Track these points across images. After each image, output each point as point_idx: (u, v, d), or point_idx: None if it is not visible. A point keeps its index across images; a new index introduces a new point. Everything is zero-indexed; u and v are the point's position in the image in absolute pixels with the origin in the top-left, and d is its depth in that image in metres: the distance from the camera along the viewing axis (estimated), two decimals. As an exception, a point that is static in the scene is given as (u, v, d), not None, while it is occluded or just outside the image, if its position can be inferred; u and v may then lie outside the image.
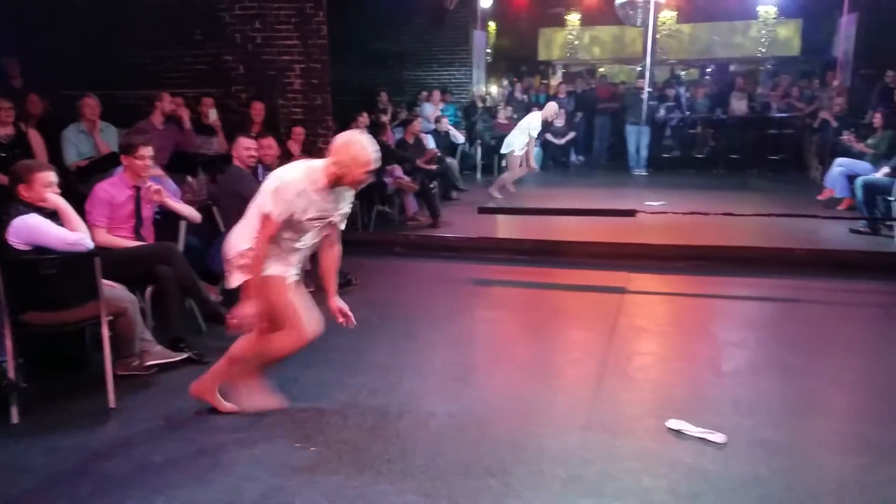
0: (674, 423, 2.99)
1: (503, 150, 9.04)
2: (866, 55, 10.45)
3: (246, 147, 4.75)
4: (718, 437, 2.87)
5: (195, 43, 6.97)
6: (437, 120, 10.23)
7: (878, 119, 7.65)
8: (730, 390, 3.46)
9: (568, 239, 6.55)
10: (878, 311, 4.73)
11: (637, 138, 11.15)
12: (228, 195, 4.83)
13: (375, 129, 7.65)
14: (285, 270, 3.00)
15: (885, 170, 6.73)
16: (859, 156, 7.64)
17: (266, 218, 2.84)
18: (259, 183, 4.87)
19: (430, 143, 9.19)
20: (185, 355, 3.76)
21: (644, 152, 11.16)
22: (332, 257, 3.18)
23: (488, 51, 13.88)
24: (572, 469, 2.69)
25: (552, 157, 12.17)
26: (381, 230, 7.19)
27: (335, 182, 2.88)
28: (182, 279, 3.89)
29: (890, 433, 2.95)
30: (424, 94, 11.21)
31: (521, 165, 8.85)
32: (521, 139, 8.64)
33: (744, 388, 3.47)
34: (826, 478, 2.64)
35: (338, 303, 3.17)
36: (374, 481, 2.61)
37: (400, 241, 6.82)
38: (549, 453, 2.82)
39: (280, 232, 2.89)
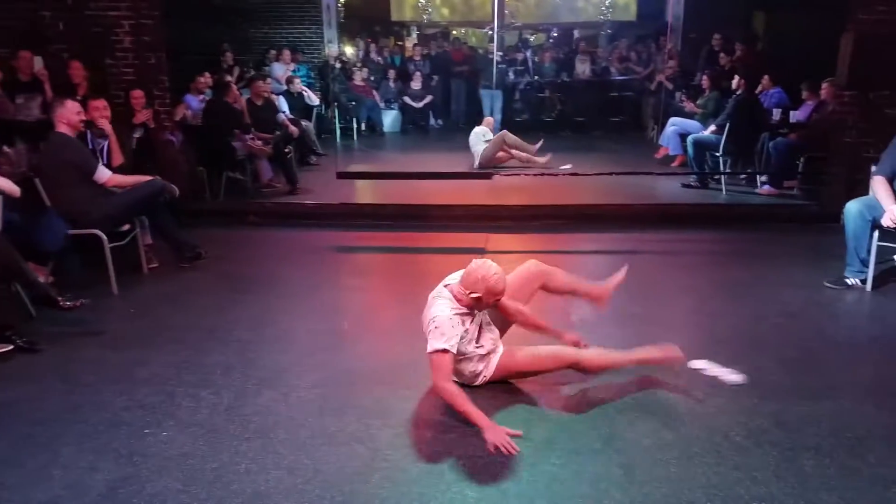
0: (695, 364, 3.14)
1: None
2: (695, 20, 11.30)
3: (77, 111, 4.36)
4: (736, 377, 3.04)
5: (6, -4, 6.13)
6: (290, 81, 9.82)
7: (705, 81, 8.33)
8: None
9: (429, 202, 6.60)
10: (706, 258, 5.21)
11: (491, 102, 11.39)
12: (55, 165, 4.38)
13: (219, 90, 7.21)
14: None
15: (712, 128, 7.36)
16: (691, 116, 8.31)
17: (440, 356, 2.76)
18: (89, 150, 4.45)
19: (282, 105, 8.83)
20: (10, 346, 3.39)
21: (498, 116, 11.43)
22: (523, 316, 3.19)
23: (340, 9, 13.45)
24: (437, 428, 2.73)
25: (411, 121, 12.15)
26: (232, 199, 6.84)
27: (473, 308, 2.90)
28: (2, 261, 3.47)
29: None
30: (273, 52, 10.70)
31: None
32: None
33: (591, 336, 3.66)
34: (667, 408, 2.88)
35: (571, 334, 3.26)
36: (233, 461, 2.51)
37: (254, 209, 6.53)
38: (415, 415, 2.85)
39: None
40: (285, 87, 9.76)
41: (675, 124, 8.25)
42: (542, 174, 7.56)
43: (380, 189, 7.37)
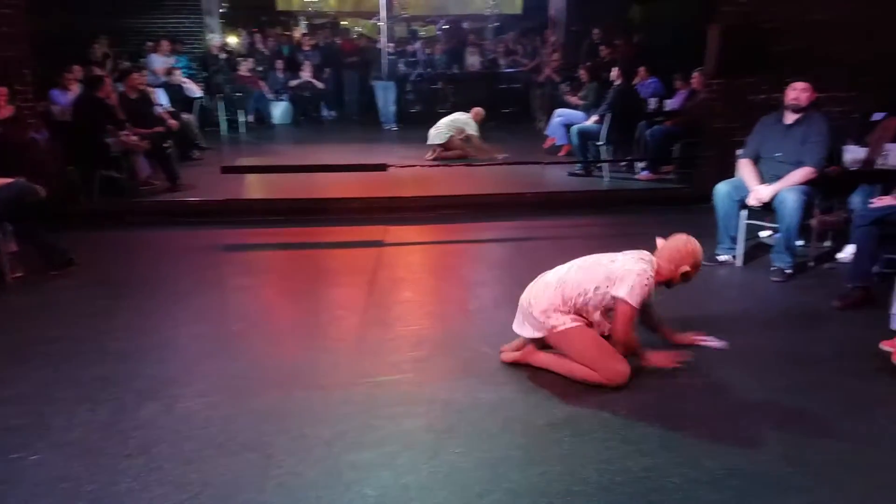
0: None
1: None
2: (576, 14, 11.71)
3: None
4: (718, 344, 3.10)
5: None
6: (169, 72, 9.31)
7: (583, 73, 8.65)
8: (477, 325, 3.73)
9: (324, 196, 6.45)
10: (592, 242, 5.34)
11: (384, 94, 11.31)
12: None
13: (91, 84, 6.71)
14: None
15: (594, 118, 7.66)
16: (575, 107, 8.60)
17: (625, 305, 2.89)
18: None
19: (161, 97, 8.35)
20: None
21: (392, 107, 11.37)
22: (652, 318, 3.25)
23: (223, -1, 12.92)
24: (335, 427, 2.67)
25: (303, 113, 11.88)
26: (108, 199, 6.39)
27: (663, 284, 3.04)
28: None
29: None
30: (150, 44, 10.09)
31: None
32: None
33: (489, 323, 3.75)
34: (554, 392, 2.95)
35: (684, 337, 3.22)
36: (113, 481, 2.34)
37: (133, 209, 6.15)
38: (311, 416, 2.77)
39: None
40: (164, 80, 9.24)
41: (560, 115, 8.52)
42: (438, 165, 7.59)
43: (270, 183, 7.12)
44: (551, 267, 3.23)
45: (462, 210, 6.24)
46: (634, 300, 2.88)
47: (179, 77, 9.36)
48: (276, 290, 4.52)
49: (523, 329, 3.17)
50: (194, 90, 9.63)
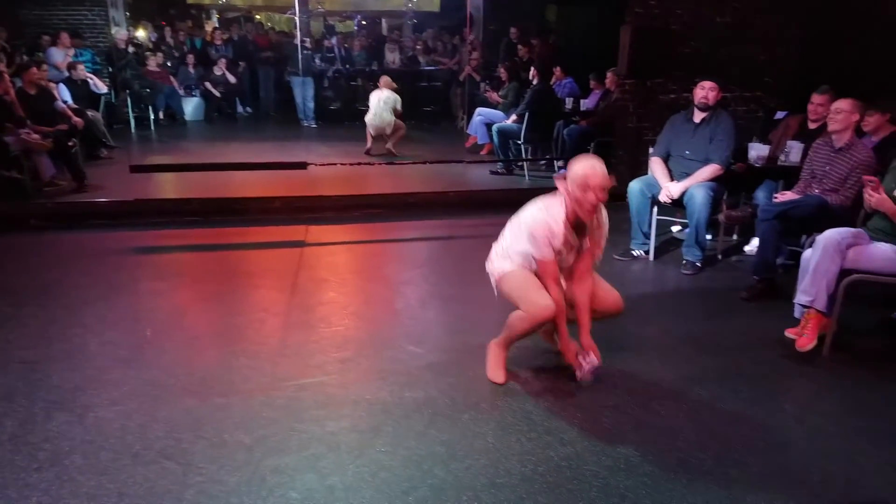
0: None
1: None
2: (494, 13, 11.87)
3: None
4: (587, 368, 2.97)
5: None
6: (72, 67, 8.81)
7: (503, 72, 8.79)
8: (403, 325, 3.73)
9: (240, 195, 6.28)
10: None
11: (302, 90, 11.11)
12: None
13: (-15, 79, 6.26)
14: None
15: (514, 117, 7.80)
16: (495, 106, 8.73)
17: (537, 260, 2.87)
18: None
19: (63, 93, 7.90)
20: None
21: (310, 104, 11.18)
22: (584, 291, 2.98)
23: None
24: (257, 432, 2.62)
25: (217, 110, 11.51)
26: (9, 201, 5.99)
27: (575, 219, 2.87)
28: None
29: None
30: (47, 38, 9.51)
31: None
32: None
33: (413, 322, 3.77)
34: (478, 387, 3.01)
35: (590, 341, 3.00)
36: (22, 496, 2.21)
37: (36, 211, 5.79)
38: (231, 422, 2.70)
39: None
40: (67, 74, 8.74)
41: (481, 114, 8.63)
42: (360, 163, 7.54)
43: (184, 183, 6.85)
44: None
45: (385, 209, 6.23)
46: (540, 252, 2.85)
47: (83, 72, 8.86)
48: (191, 294, 4.37)
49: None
50: (100, 86, 9.17)
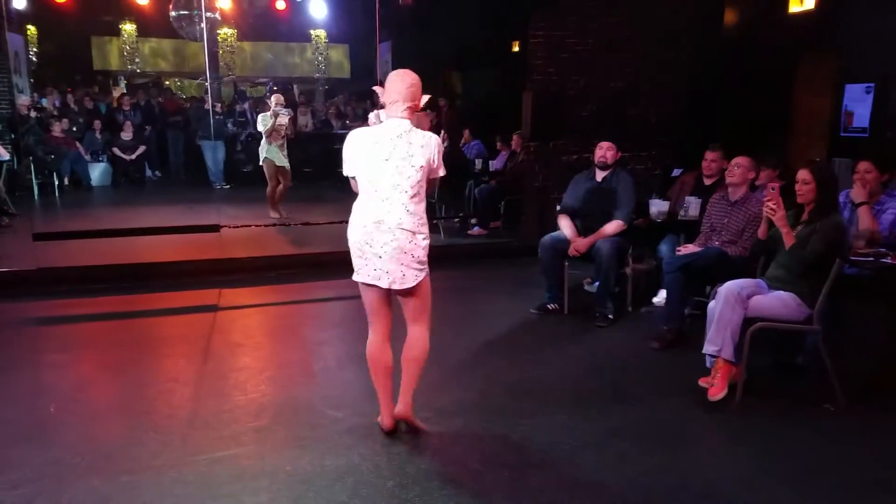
0: None
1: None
2: (403, 79, 12.25)
3: None
4: None
5: None
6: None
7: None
8: (321, 388, 3.67)
9: (148, 261, 6.08)
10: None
11: (213, 153, 10.99)
12: None
13: None
14: None
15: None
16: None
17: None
18: None
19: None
20: None
21: (221, 166, 11.07)
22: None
23: (32, 58, 11.99)
24: (169, 509, 2.51)
25: (125, 174, 11.21)
26: None
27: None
28: None
29: (447, 398, 3.49)
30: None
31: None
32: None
33: (332, 384, 3.72)
34: (404, 450, 2.99)
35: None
36: None
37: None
38: (141, 501, 2.56)
39: None
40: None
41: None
42: (274, 225, 7.48)
43: (90, 250, 6.52)
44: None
45: (299, 269, 6.18)
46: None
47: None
48: (96, 365, 4.16)
49: (404, 280, 3.17)
50: (2, 153, 8.79)
